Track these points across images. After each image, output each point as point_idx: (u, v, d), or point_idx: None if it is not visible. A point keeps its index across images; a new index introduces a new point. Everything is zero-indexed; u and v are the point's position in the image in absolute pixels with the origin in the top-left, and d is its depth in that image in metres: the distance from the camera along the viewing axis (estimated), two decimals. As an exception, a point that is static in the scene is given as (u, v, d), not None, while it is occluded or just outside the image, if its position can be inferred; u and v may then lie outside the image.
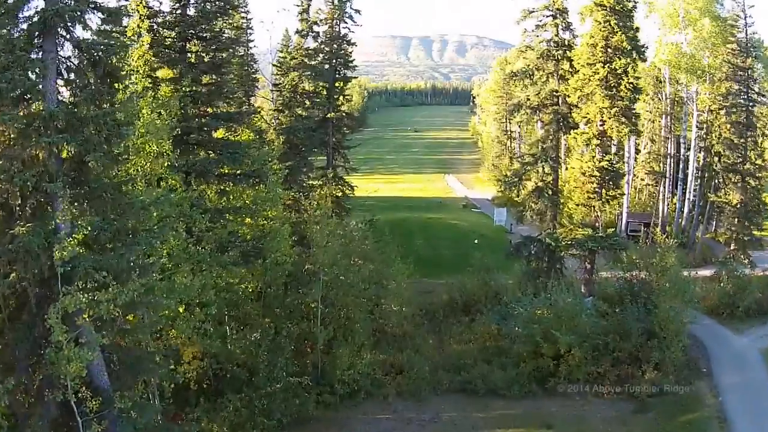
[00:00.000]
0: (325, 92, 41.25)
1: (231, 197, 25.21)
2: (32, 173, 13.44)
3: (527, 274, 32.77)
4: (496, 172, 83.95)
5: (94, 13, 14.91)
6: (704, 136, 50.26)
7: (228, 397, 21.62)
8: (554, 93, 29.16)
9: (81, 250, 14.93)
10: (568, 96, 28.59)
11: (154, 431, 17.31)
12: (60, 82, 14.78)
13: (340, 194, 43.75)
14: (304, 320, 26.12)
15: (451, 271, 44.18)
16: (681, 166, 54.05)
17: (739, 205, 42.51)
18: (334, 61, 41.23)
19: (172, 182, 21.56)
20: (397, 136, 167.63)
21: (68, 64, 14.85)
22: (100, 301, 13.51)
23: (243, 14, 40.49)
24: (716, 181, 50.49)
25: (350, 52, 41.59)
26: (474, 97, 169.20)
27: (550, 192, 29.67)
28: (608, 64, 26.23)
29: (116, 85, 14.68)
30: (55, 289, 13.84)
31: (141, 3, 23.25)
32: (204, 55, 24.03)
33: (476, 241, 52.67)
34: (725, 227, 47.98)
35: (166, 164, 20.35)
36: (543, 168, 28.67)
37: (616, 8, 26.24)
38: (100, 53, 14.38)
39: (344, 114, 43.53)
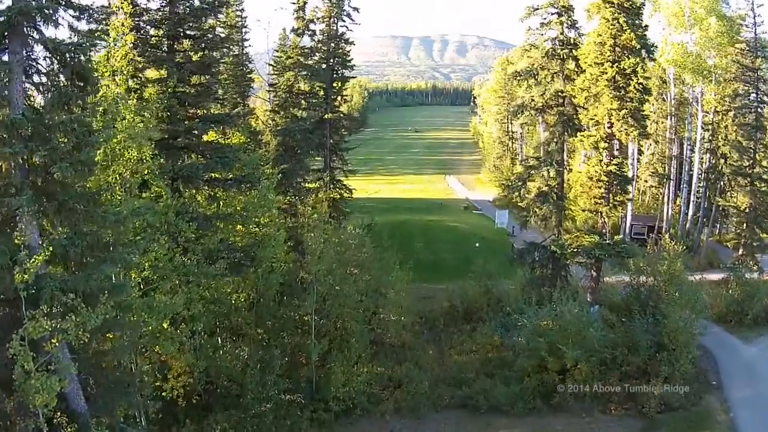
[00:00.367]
0: (322, 93, 40.14)
1: (221, 203, 24.02)
2: (-6, 186, 12.28)
3: (531, 282, 31.57)
4: (498, 173, 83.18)
5: (65, 11, 13.74)
6: (710, 137, 49.25)
7: (216, 418, 20.46)
8: (559, 93, 27.92)
9: (52, 269, 13.82)
10: (574, 97, 27.37)
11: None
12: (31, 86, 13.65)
13: (338, 197, 42.67)
14: (298, 331, 24.97)
15: (452, 275, 43.34)
16: (686, 168, 53.03)
17: (748, 210, 41.28)
18: (331, 60, 40.06)
19: (157, 189, 20.35)
20: (398, 136, 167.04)
21: (38, 66, 13.69)
22: (67, 328, 12.30)
23: (237, 12, 39.29)
24: (722, 183, 49.48)
25: (348, 51, 40.43)
26: (475, 98, 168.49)
27: (554, 197, 28.45)
28: (616, 64, 25.00)
29: (88, 87, 13.43)
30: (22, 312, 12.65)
31: (126, 0, 22.00)
32: (192, 54, 22.81)
33: (477, 245, 51.79)
34: (733, 231, 46.96)
35: (146, 171, 19.10)
36: (548, 172, 27.45)
37: (625, 5, 25.01)
38: (70, 53, 13.17)
39: (342, 115, 42.36)
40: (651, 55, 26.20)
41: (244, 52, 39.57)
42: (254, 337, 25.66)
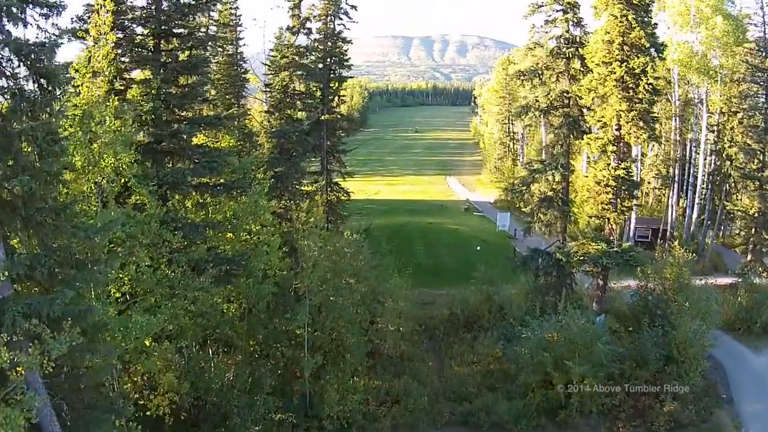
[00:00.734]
0: (319, 93, 38.96)
1: (210, 211, 22.85)
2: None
3: (535, 290, 30.40)
4: (499, 174, 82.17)
5: (32, 9, 12.57)
6: (715, 139, 48.18)
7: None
8: (565, 94, 26.70)
9: (21, 290, 12.68)
10: (580, 98, 26.17)
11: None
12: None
13: (335, 200, 41.51)
14: (291, 343, 23.76)
15: (453, 280, 42.46)
16: (691, 170, 51.95)
17: (757, 214, 40.07)
18: (328, 59, 38.85)
19: (140, 198, 19.18)
20: (398, 136, 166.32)
21: (2, 69, 12.51)
22: (29, 359, 11.14)
23: (231, 10, 38.08)
24: (728, 185, 48.36)
25: (346, 50, 39.19)
26: (475, 98, 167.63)
27: (559, 202, 27.25)
28: (625, 63, 23.77)
29: (55, 91, 12.26)
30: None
31: (108, -3, 20.77)
32: (179, 53, 21.63)
33: (478, 248, 50.84)
34: (737, 234, 45.91)
35: (124, 180, 17.91)
36: (553, 176, 26.24)
37: (634, 2, 23.76)
38: (35, 54, 12.00)
39: (339, 116, 41.13)
40: (660, 55, 24.99)
41: (238, 51, 38.33)
42: (245, 349, 24.55)
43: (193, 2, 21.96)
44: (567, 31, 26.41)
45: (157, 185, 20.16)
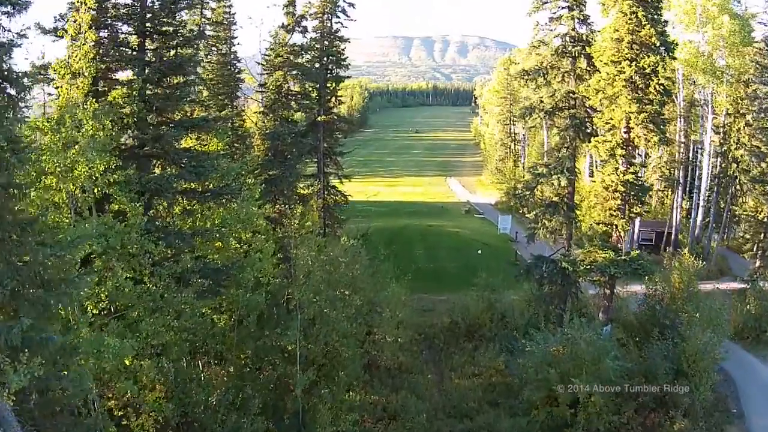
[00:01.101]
0: (315, 93, 37.80)
1: (198, 218, 21.67)
2: None
3: (539, 299, 29.21)
4: (500, 175, 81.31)
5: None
6: (721, 140, 47.09)
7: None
8: (571, 95, 25.49)
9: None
10: (587, 98, 24.98)
11: None
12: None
13: (332, 204, 40.39)
14: (285, 355, 22.54)
15: (453, 285, 41.55)
16: (697, 172, 50.84)
17: (766, 219, 38.87)
18: (325, 59, 37.72)
19: (121, 206, 18.00)
20: (398, 137, 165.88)
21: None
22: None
23: (225, 8, 36.89)
24: (734, 188, 47.23)
25: (343, 49, 38.08)
26: (476, 98, 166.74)
27: (565, 207, 26.04)
28: (634, 62, 22.57)
29: (13, 95, 11.09)
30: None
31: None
32: (164, 52, 20.44)
33: (479, 252, 49.84)
34: (751, 243, 44.93)
35: (97, 190, 16.73)
36: (558, 180, 25.03)
37: (644, -2, 22.57)
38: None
39: (337, 117, 39.96)
40: (671, 54, 23.79)
41: (232, 50, 37.13)
42: (236, 363, 23.40)
43: (180, -1, 20.77)
44: (573, 29, 25.20)
45: (139, 192, 18.98)
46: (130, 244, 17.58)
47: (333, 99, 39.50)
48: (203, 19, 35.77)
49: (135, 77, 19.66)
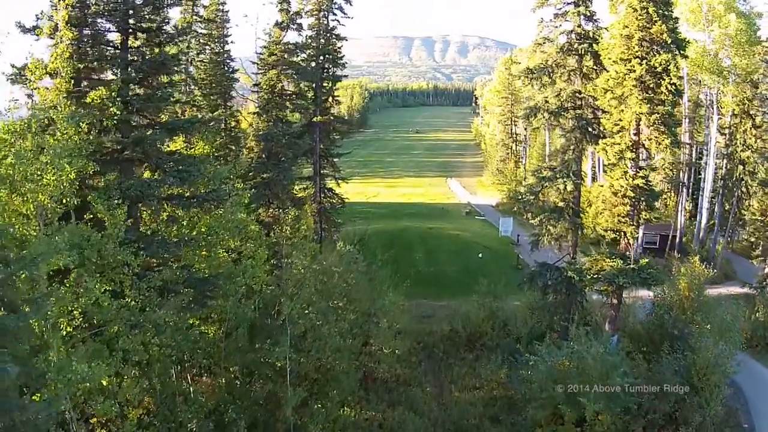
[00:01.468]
0: (311, 93, 36.62)
1: (183, 226, 20.46)
2: None
3: (543, 308, 27.99)
4: (501, 176, 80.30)
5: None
6: (727, 142, 45.97)
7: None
8: (577, 94, 24.24)
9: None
10: (595, 98, 23.74)
11: None
12: None
13: (328, 207, 39.25)
14: (276, 369, 21.30)
15: (454, 290, 40.58)
16: (703, 175, 49.69)
17: (774, 222, 37.75)
18: (321, 57, 36.52)
19: (99, 214, 16.81)
20: (398, 137, 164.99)
21: None
22: None
23: (218, 5, 35.68)
24: (740, 190, 46.10)
25: (340, 48, 36.90)
26: (477, 98, 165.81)
27: (570, 213, 24.81)
28: (645, 61, 21.34)
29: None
30: None
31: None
32: (147, 50, 19.22)
33: (480, 255, 48.76)
34: (760, 248, 43.86)
35: (66, 199, 15.52)
36: (564, 184, 23.79)
37: (655, -8, 21.32)
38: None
39: (333, 118, 38.76)
40: (682, 52, 22.56)
41: (225, 49, 35.94)
42: (225, 376, 22.20)
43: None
44: (579, 26, 23.93)
45: (119, 199, 17.77)
46: (108, 256, 16.41)
47: (330, 99, 38.33)
48: (195, 17, 34.57)
49: (114, 77, 18.43)
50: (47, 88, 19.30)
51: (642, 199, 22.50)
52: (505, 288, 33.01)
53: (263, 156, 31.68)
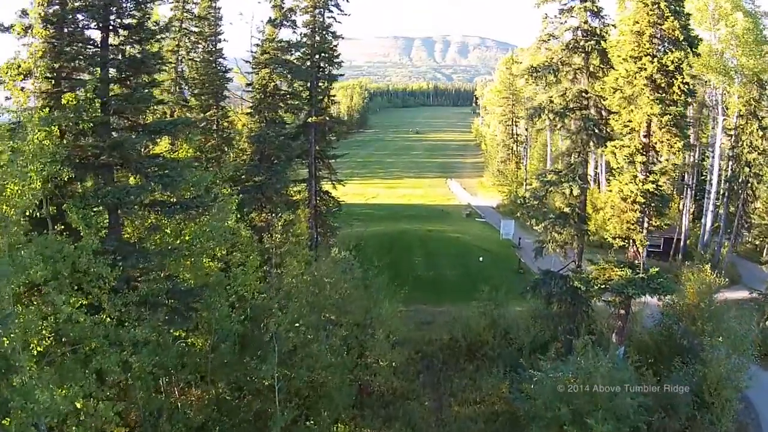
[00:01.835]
0: (306, 93, 35.39)
1: (165, 234, 19.26)
2: None
3: (546, 318, 26.77)
4: (502, 177, 79.23)
5: None
6: (733, 143, 44.89)
7: None
8: (583, 94, 23.01)
9: None
10: (603, 98, 22.52)
11: None
12: None
13: (324, 210, 38.03)
14: (265, 384, 20.09)
15: (454, 295, 39.45)
16: (708, 177, 48.57)
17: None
18: (316, 56, 35.29)
19: (73, 223, 15.65)
20: (398, 137, 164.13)
21: None
22: None
23: (211, 2, 34.45)
24: (746, 193, 44.99)
25: (336, 46, 35.66)
26: (477, 99, 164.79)
27: (576, 218, 23.59)
28: (657, 59, 20.12)
29: None
30: None
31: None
32: (126, 48, 18.03)
33: (481, 259, 47.73)
34: (751, 243, 42.80)
35: (29, 211, 14.35)
36: (570, 189, 22.56)
37: (667, -13, 20.09)
38: None
39: (329, 118, 37.51)
40: (695, 50, 21.37)
41: (218, 48, 34.74)
42: (213, 391, 21.04)
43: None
44: (585, 22, 22.71)
45: (95, 207, 16.59)
46: (83, 268, 15.26)
47: (326, 99, 37.09)
48: (185, 14, 33.38)
49: (90, 77, 17.24)
50: (22, 89, 18.22)
51: (653, 204, 21.30)
52: (506, 294, 31.86)
53: (255, 158, 30.49)
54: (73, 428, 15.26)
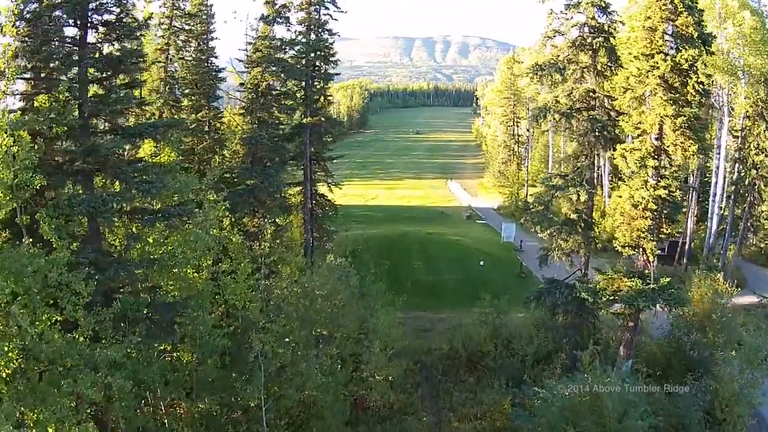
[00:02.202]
0: (301, 93, 34.22)
1: (147, 244, 18.10)
2: None
3: (551, 329, 25.59)
4: (502, 179, 78.11)
5: None
6: (739, 145, 43.78)
7: None
8: (591, 94, 21.81)
9: None
10: (612, 98, 21.32)
11: None
12: None
13: (319, 214, 36.87)
14: (251, 406, 18.95)
15: (454, 301, 38.41)
16: (713, 179, 47.46)
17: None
18: (311, 54, 34.10)
19: (44, 234, 14.50)
20: (399, 138, 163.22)
21: None
22: None
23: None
24: (752, 195, 43.88)
25: (332, 44, 34.43)
26: (477, 99, 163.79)
27: (582, 225, 22.41)
28: (670, 57, 18.94)
29: None
30: None
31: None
32: (103, 46, 16.86)
33: (482, 263, 46.53)
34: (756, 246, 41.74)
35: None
36: (577, 194, 21.37)
37: (680, -19, 18.88)
38: None
39: (325, 119, 36.32)
40: (708, 47, 20.19)
41: (210, 46, 33.52)
42: (200, 408, 19.90)
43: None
44: (592, 18, 21.53)
45: (68, 216, 15.44)
46: (53, 284, 14.11)
47: (321, 99, 35.87)
48: (175, 11, 32.20)
49: (63, 77, 16.09)
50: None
51: (664, 211, 20.11)
52: (508, 301, 30.74)
53: (248, 161, 29.34)
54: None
